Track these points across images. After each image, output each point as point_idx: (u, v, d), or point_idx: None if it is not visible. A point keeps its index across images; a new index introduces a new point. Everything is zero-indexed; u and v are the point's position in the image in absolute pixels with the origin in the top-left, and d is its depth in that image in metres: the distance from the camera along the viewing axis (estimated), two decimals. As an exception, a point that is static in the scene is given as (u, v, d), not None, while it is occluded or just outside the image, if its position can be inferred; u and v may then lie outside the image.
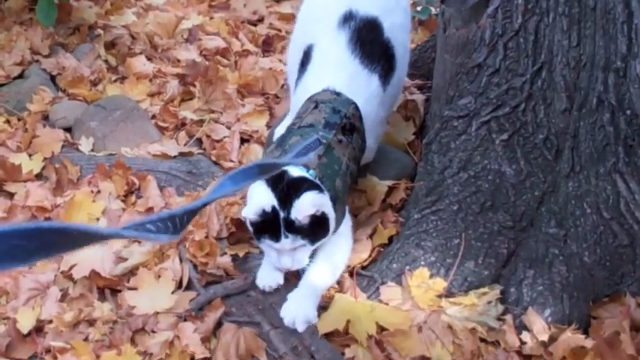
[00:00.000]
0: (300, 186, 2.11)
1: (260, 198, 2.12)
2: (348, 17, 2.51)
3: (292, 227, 2.11)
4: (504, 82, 2.35)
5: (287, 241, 2.12)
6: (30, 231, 0.89)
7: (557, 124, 2.30)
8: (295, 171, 2.14)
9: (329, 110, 2.32)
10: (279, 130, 2.50)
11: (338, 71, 2.47)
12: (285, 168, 2.13)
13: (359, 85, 2.45)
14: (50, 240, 0.93)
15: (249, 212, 2.12)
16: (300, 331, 2.12)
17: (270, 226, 2.12)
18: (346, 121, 2.32)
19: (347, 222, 2.34)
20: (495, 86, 2.36)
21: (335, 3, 2.57)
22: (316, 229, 2.14)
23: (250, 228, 2.19)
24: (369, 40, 2.50)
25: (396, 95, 2.74)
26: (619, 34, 2.04)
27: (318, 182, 2.15)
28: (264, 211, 2.11)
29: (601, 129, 2.10)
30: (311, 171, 2.16)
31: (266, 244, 2.18)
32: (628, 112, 2.04)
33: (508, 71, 2.35)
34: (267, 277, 2.24)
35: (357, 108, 2.38)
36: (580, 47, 2.24)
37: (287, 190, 2.10)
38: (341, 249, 2.31)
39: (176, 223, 1.12)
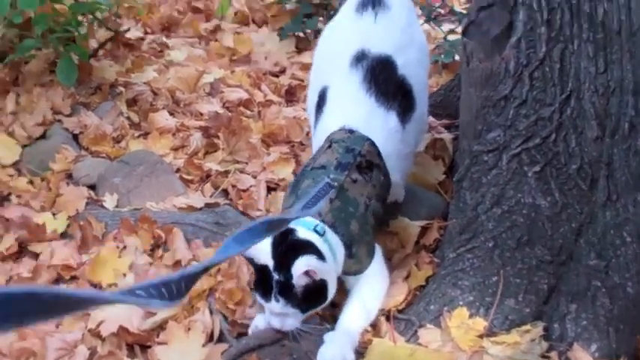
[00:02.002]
0: (300, 249, 2.05)
1: (259, 250, 2.06)
2: (360, 57, 2.50)
3: (285, 292, 2.05)
4: (533, 113, 2.30)
5: (277, 305, 2.07)
6: (22, 295, 0.88)
7: (590, 153, 2.25)
8: (302, 231, 2.10)
9: (342, 150, 2.30)
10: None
11: (353, 110, 2.45)
12: (294, 226, 2.09)
13: (376, 123, 2.43)
14: (39, 306, 0.91)
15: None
16: None
17: (263, 284, 2.08)
18: (361, 159, 2.29)
19: (378, 261, 2.27)
20: (524, 117, 2.31)
21: (347, 44, 2.56)
22: (311, 298, 2.09)
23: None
24: (383, 78, 2.48)
25: (420, 131, 2.71)
26: (647, 56, 2.00)
27: (324, 242, 2.10)
28: (257, 264, 2.07)
29: (635, 155, 2.06)
30: (319, 225, 2.11)
31: (258, 299, 2.14)
32: (662, 135, 1.98)
33: (536, 101, 2.30)
34: (260, 318, 2.20)
35: (373, 144, 2.35)
36: (607, 73, 2.20)
37: (286, 251, 2.05)
38: (374, 290, 2.26)
39: (172, 290, 1.09)
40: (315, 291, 2.07)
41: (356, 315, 2.19)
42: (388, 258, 2.44)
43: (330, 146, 2.34)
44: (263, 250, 2.06)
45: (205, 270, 1.23)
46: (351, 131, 2.37)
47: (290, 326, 2.10)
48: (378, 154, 2.36)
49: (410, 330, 2.22)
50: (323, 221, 2.13)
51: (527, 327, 2.16)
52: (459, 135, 2.76)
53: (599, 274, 2.15)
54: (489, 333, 2.16)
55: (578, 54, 2.26)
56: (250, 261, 2.11)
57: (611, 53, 2.18)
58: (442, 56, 3.83)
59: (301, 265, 2.01)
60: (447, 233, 2.48)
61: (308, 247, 2.06)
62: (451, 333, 2.15)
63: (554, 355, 2.10)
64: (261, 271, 2.08)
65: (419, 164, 2.82)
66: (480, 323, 2.17)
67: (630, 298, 2.11)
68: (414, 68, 2.59)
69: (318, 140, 2.48)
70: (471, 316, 2.19)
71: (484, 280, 2.24)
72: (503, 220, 2.28)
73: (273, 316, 2.11)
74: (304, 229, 2.10)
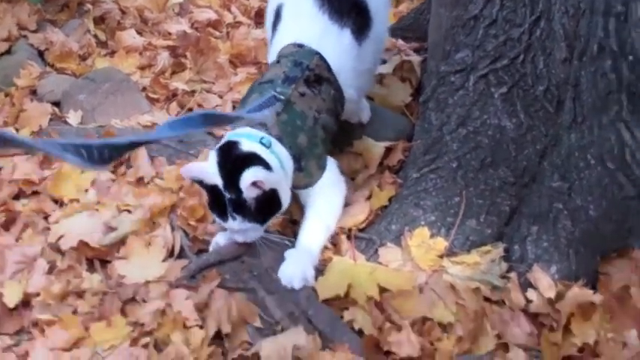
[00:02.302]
0: (246, 163, 2.03)
1: (207, 171, 2.06)
2: None
3: (239, 209, 2.04)
4: (502, 34, 2.28)
5: (235, 223, 2.06)
6: None
7: (558, 75, 2.23)
8: (246, 143, 2.08)
9: (290, 64, 2.27)
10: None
11: (306, 27, 2.42)
12: (238, 140, 2.08)
13: (329, 40, 2.39)
14: None
15: (186, 171, 2.08)
16: (297, 288, 2.05)
17: (217, 204, 2.07)
18: (310, 73, 2.26)
19: (331, 173, 2.25)
20: (493, 38, 2.29)
21: None
22: (265, 209, 2.07)
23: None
24: None
25: (378, 49, 2.65)
26: (619, -24, 1.96)
27: (270, 153, 2.08)
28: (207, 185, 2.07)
29: (603, 77, 2.02)
30: (265, 138, 2.09)
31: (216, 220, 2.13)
32: (630, 57, 1.94)
33: (505, 22, 2.28)
34: (221, 235, 2.21)
35: (322, 58, 2.32)
36: (579, -6, 2.17)
37: (232, 168, 2.03)
38: (330, 203, 2.25)
39: (92, 153, 1.10)
40: (268, 201, 2.06)
41: (315, 231, 2.18)
42: (352, 178, 2.44)
43: (278, 61, 2.32)
44: (210, 171, 2.04)
45: (131, 145, 1.25)
46: (300, 45, 2.35)
47: (253, 237, 2.10)
48: (328, 68, 2.33)
49: (370, 249, 2.22)
50: (270, 134, 2.11)
51: (488, 248, 2.17)
52: (428, 57, 2.74)
53: (561, 197, 2.13)
54: (449, 253, 2.16)
55: (549, -26, 2.23)
56: (200, 183, 2.10)
57: (583, -26, 2.15)
58: (415, -19, 3.78)
59: (248, 177, 1.99)
60: (411, 154, 2.47)
61: (253, 159, 2.04)
62: (411, 252, 2.15)
63: (513, 275, 2.10)
64: (212, 192, 2.06)
65: (386, 85, 2.80)
66: (441, 243, 2.17)
67: (592, 221, 2.10)
68: None
69: (272, 57, 2.45)
70: (431, 235, 2.19)
71: (446, 201, 2.23)
72: (468, 141, 2.27)
73: (234, 232, 2.10)
74: (249, 141, 2.08)
